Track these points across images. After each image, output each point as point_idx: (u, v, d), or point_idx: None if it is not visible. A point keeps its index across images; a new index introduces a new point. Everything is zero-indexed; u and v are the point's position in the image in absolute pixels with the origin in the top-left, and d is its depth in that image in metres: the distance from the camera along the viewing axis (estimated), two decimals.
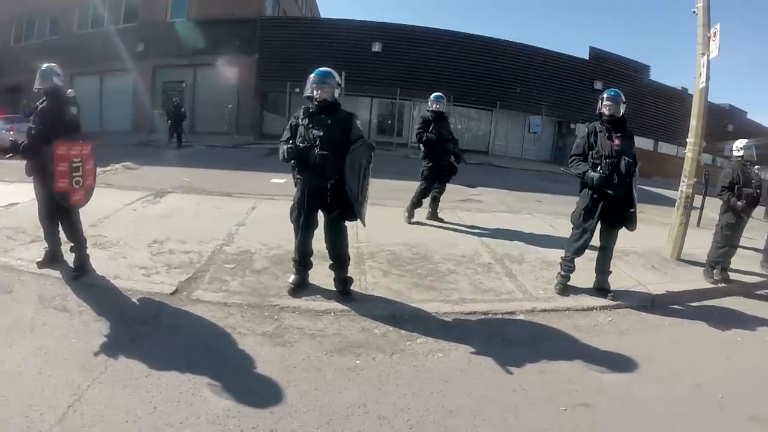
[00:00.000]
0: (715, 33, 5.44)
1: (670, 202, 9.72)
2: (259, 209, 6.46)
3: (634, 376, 3.13)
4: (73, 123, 3.39)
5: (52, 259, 3.80)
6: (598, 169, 4.05)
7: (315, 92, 3.40)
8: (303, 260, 3.76)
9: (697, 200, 7.60)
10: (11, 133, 10.30)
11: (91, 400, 2.32)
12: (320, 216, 3.68)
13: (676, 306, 4.52)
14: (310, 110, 3.46)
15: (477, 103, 19.57)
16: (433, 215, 6.61)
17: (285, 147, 3.43)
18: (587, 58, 20.32)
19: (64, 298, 3.39)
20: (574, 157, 4.26)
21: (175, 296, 3.56)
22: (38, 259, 3.80)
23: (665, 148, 20.75)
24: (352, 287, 3.84)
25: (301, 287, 3.79)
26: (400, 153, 16.28)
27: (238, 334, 3.11)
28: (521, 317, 3.84)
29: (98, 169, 3.85)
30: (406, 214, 6.41)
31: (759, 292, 5.35)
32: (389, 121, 19.26)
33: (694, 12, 5.79)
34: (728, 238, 5.12)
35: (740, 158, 5.15)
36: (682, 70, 68.80)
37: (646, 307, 4.35)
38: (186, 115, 15.25)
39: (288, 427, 2.28)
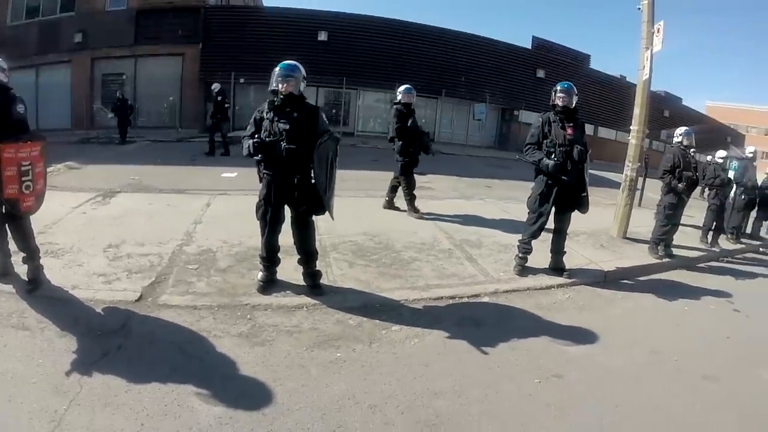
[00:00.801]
0: (658, 29, 5.82)
1: (611, 184, 10.43)
2: (215, 205, 6.28)
3: (597, 347, 3.41)
4: (20, 123, 3.11)
5: (3, 272, 3.49)
6: (552, 156, 4.28)
7: (281, 86, 3.35)
8: (271, 257, 3.72)
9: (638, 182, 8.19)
10: None
11: (72, 425, 2.16)
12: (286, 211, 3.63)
13: (626, 281, 4.92)
14: (276, 104, 3.40)
15: (422, 91, 19.46)
16: (390, 204, 6.65)
17: (250, 141, 3.35)
18: (530, 48, 21.02)
19: (22, 314, 3.12)
20: (529, 146, 4.47)
21: (141, 303, 3.39)
22: None
23: (604, 132, 21.93)
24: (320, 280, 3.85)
25: (270, 284, 3.75)
26: (347, 142, 16.18)
27: (213, 337, 3.03)
28: (486, 299, 4.03)
29: None
30: (413, 213, 6.34)
31: (700, 265, 5.97)
32: (334, 111, 19.06)
33: (639, 9, 6.16)
34: (671, 218, 5.61)
35: (680, 144, 5.62)
36: (620, 58, 72.88)
37: (599, 283, 4.69)
38: (134, 108, 14.44)
39: (284, 426, 2.27)
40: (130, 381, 2.49)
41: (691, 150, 5.63)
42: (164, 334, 3.04)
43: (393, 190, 6.62)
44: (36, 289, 3.40)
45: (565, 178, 4.28)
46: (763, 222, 7.95)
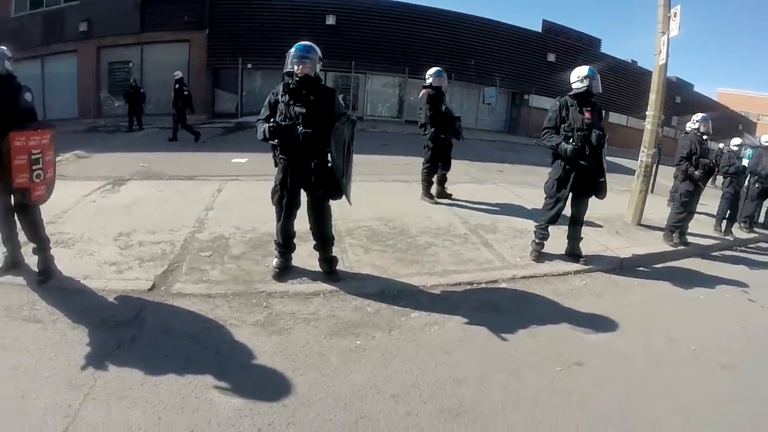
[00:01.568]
0: (675, 13, 5.65)
1: (624, 170, 10.26)
2: (226, 191, 6.23)
3: (615, 335, 3.35)
4: (28, 111, 3.05)
5: (13, 264, 3.44)
6: (571, 141, 4.18)
7: (296, 67, 3.25)
8: (286, 243, 3.65)
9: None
10: None
11: (88, 420, 2.10)
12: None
13: (641, 268, 4.84)
14: (291, 86, 3.30)
15: None
16: (442, 194, 6.48)
17: (266, 125, 3.26)
18: (540, 31, 20.61)
19: (33, 306, 3.04)
20: (546, 130, 4.36)
21: (154, 292, 3.35)
22: None
23: (615, 118, 21.55)
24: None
25: (286, 271, 3.70)
26: (357, 126, 16.11)
27: (230, 326, 2.98)
28: (504, 285, 3.97)
29: None
30: (426, 198, 6.26)
31: (714, 254, 5.87)
32: (343, 95, 18.89)
33: None
34: (686, 205, 5.51)
35: (697, 130, 5.48)
36: (632, 43, 71.18)
37: (615, 270, 4.63)
38: (146, 96, 14.31)
39: (305, 418, 2.22)
40: (146, 373, 2.43)
41: (707, 137, 5.50)
42: (179, 324, 2.98)
43: (441, 182, 6.45)
44: (47, 280, 3.34)
45: (583, 162, 4.18)
46: None
